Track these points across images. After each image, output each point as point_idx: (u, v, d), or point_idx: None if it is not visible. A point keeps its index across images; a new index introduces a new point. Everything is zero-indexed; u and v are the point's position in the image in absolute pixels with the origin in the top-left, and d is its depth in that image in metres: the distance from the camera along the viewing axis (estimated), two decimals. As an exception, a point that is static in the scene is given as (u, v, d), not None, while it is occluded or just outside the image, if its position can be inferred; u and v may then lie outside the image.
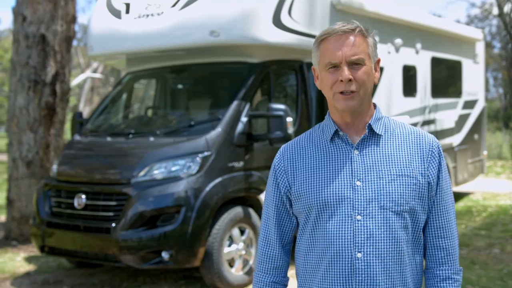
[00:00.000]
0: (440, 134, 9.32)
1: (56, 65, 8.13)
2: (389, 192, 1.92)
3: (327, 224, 1.94)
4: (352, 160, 1.96)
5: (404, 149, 1.99)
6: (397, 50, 8.28)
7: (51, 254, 6.08)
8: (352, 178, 1.94)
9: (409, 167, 1.96)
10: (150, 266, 5.54)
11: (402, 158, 1.97)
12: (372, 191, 1.92)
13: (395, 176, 1.93)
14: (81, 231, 5.72)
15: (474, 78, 10.66)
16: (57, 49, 8.12)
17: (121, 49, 6.81)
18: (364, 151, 1.97)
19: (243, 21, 6.06)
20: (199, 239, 5.50)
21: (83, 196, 5.76)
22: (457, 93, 10.10)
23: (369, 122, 1.99)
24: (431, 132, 9.06)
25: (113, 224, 5.48)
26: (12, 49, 8.30)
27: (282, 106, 5.86)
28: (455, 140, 9.86)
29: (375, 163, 1.95)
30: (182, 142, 5.84)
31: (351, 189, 1.93)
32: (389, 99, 8.11)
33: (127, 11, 6.69)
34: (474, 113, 10.63)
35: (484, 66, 11.47)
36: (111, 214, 5.62)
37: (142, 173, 5.64)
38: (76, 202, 5.78)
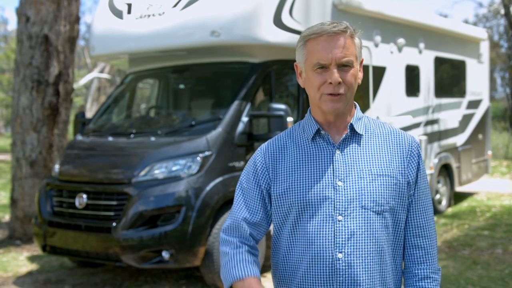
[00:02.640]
0: (443, 134, 9.30)
1: (59, 65, 8.16)
2: (370, 192, 1.91)
3: (308, 225, 1.93)
4: (334, 159, 1.95)
5: (384, 148, 1.99)
6: (400, 49, 8.26)
7: (53, 253, 6.11)
8: (333, 178, 1.93)
9: (389, 166, 1.96)
10: (151, 266, 5.55)
11: (383, 157, 1.97)
12: (353, 191, 1.91)
13: (375, 175, 1.93)
14: (82, 230, 5.74)
15: (479, 78, 10.62)
16: (60, 50, 8.15)
17: (123, 49, 6.83)
18: (345, 151, 1.96)
19: (244, 21, 6.07)
20: (199, 238, 5.52)
21: (84, 196, 5.79)
22: (461, 93, 10.07)
23: (351, 121, 1.99)
24: (435, 132, 9.05)
25: (114, 224, 5.50)
26: (16, 50, 8.35)
27: (282, 106, 5.86)
28: (459, 140, 9.83)
29: (356, 163, 1.95)
30: (183, 142, 5.85)
31: (333, 189, 1.92)
32: (391, 99, 8.10)
33: (129, 12, 6.71)
34: (479, 113, 10.60)
35: (489, 66, 11.43)
36: (112, 213, 5.64)
37: (142, 172, 5.66)
38: (77, 202, 5.81)
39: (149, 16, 6.52)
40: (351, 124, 1.98)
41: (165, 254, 5.46)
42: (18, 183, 8.19)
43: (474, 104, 10.42)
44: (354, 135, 1.99)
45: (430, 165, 8.96)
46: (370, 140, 2.00)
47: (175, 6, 6.38)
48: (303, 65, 1.98)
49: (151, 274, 6.43)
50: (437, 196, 9.44)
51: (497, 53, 36.33)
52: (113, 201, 5.67)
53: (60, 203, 6.08)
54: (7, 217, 9.59)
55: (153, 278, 6.31)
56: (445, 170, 9.55)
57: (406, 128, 8.23)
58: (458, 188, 10.12)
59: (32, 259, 7.20)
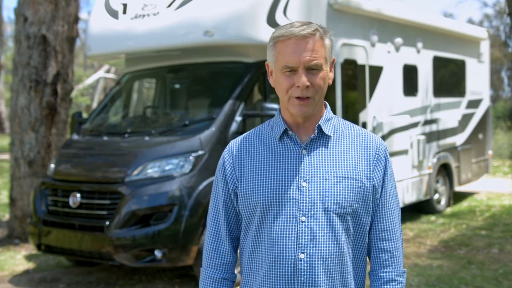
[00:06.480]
0: (442, 134, 9.28)
1: (58, 65, 8.20)
2: (334, 194, 1.91)
3: (272, 225, 1.93)
4: (300, 160, 1.95)
5: (351, 151, 1.98)
6: (397, 49, 8.25)
7: (48, 252, 6.16)
8: (298, 178, 1.92)
9: (355, 169, 1.95)
10: (143, 264, 5.57)
11: (349, 160, 1.96)
12: (317, 192, 1.91)
13: (340, 178, 1.93)
14: (76, 229, 5.78)
15: (479, 78, 10.59)
16: (59, 50, 8.19)
17: (119, 49, 6.87)
18: (312, 152, 1.96)
19: (237, 21, 6.09)
20: (192, 237, 5.54)
21: (78, 195, 5.82)
22: (461, 92, 10.04)
23: (319, 122, 1.98)
24: (433, 132, 9.03)
25: (107, 223, 5.53)
26: (14, 50, 8.40)
27: (275, 106, 5.87)
28: (459, 139, 9.81)
29: (322, 164, 1.94)
30: (176, 141, 5.88)
31: (297, 190, 1.92)
32: (389, 98, 8.09)
33: (124, 12, 6.74)
34: (479, 112, 10.56)
35: (490, 66, 11.39)
36: (105, 212, 5.67)
37: (135, 172, 5.69)
38: (71, 201, 5.85)
39: (144, 16, 6.54)
40: (319, 125, 1.97)
41: (158, 253, 5.49)
42: (16, 182, 8.24)
43: (474, 104, 10.39)
44: (321, 136, 1.98)
45: (429, 165, 8.94)
46: (338, 141, 1.99)
47: (169, 6, 6.40)
48: (273, 65, 1.98)
49: (146, 273, 6.46)
50: (436, 196, 9.42)
51: (503, 53, 36.18)
52: (106, 200, 5.70)
53: (54, 202, 6.11)
54: (7, 216, 9.64)
55: (147, 277, 6.33)
56: (444, 170, 9.52)
57: (403, 128, 8.22)
58: (458, 188, 10.09)
59: (29, 258, 7.25)
